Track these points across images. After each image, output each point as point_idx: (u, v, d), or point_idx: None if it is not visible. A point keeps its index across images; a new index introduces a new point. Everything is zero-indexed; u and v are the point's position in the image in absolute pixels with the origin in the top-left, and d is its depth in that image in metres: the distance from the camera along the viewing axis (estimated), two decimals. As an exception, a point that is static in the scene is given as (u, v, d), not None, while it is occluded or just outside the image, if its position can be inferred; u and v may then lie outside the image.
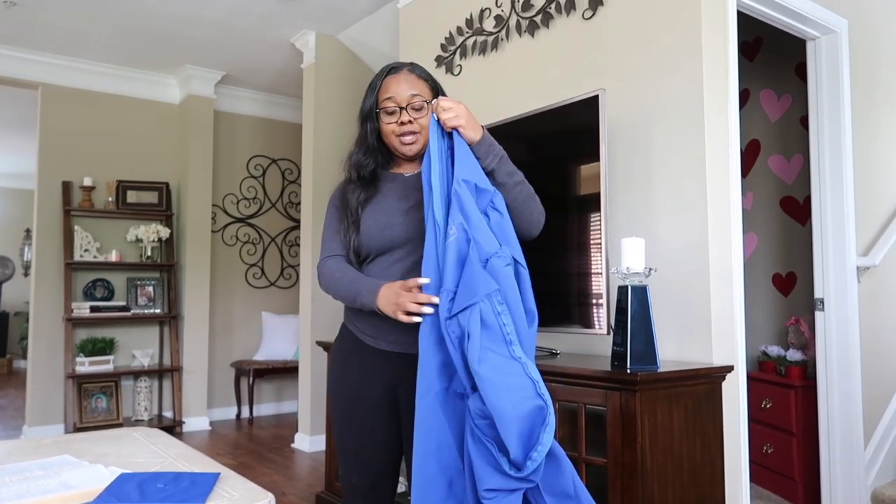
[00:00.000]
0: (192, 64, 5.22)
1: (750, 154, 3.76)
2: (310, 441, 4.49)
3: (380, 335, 1.70)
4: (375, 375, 1.71)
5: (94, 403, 4.94)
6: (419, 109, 1.67)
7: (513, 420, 1.30)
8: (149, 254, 5.26)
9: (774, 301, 3.65)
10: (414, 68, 1.72)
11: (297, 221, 5.87)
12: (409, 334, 1.60)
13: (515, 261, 1.50)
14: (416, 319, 1.51)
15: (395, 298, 1.54)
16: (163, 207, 5.39)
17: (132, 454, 1.62)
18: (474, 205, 1.48)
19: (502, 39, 3.10)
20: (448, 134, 1.57)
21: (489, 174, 1.58)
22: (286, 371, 5.53)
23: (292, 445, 4.64)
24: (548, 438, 1.30)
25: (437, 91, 1.73)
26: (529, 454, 1.30)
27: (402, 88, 1.67)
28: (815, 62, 2.93)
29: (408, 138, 1.68)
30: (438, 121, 1.56)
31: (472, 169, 1.53)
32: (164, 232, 5.24)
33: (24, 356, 7.86)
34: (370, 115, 1.71)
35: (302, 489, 3.64)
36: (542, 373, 2.17)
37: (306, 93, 4.75)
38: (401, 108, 1.66)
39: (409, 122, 1.66)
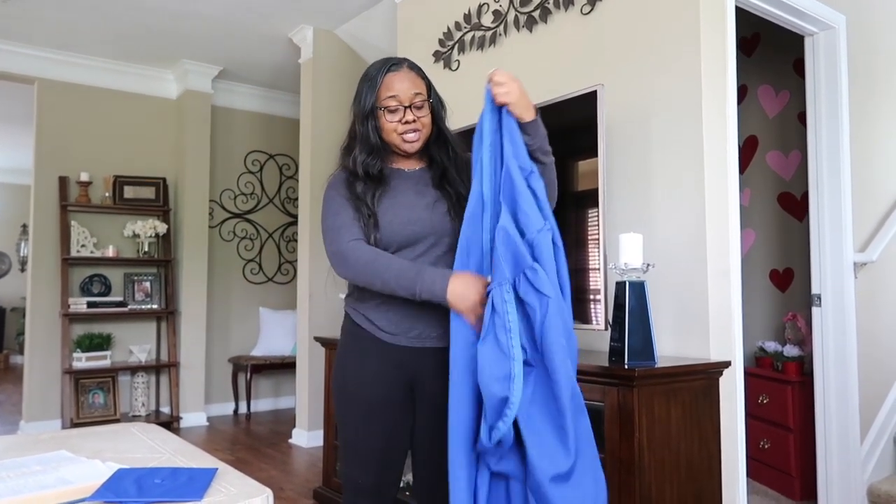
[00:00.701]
0: (189, 59, 5.21)
1: (747, 150, 3.76)
2: (307, 436, 4.49)
3: (400, 331, 1.67)
4: (395, 373, 1.68)
5: (91, 399, 4.94)
6: (421, 108, 1.67)
7: (486, 397, 1.46)
8: (146, 249, 5.25)
9: (771, 297, 3.66)
10: (412, 65, 1.72)
11: (295, 217, 5.86)
12: (432, 328, 1.62)
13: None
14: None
15: (475, 295, 1.53)
16: (160, 203, 5.37)
17: (129, 450, 1.62)
18: (524, 183, 1.55)
19: (500, 35, 3.10)
20: (498, 108, 1.60)
21: (531, 153, 1.61)
22: (284, 367, 5.53)
23: (290, 441, 4.64)
24: (503, 426, 1.42)
25: (430, 89, 1.73)
26: (491, 430, 1.44)
27: (405, 87, 1.65)
28: (813, 58, 2.93)
29: (410, 136, 1.67)
30: (490, 93, 1.59)
31: (517, 147, 1.58)
32: (162, 227, 5.23)
33: (21, 352, 7.84)
34: (371, 112, 1.67)
35: (300, 484, 3.64)
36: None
37: (304, 88, 4.74)
38: (404, 107, 1.65)
39: (413, 120, 1.66)
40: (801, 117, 3.27)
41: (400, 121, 1.65)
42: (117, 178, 5.22)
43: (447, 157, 1.73)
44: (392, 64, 1.69)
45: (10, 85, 5.32)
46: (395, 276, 1.57)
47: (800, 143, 3.41)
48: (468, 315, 1.53)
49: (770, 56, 3.70)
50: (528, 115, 1.58)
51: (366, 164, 1.68)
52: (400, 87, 1.65)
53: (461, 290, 1.52)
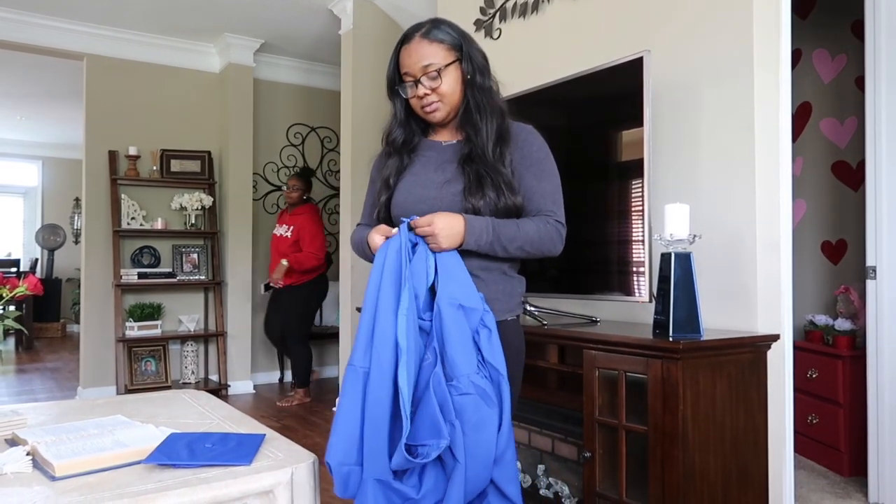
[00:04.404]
0: (231, 32, 5.24)
1: (801, 117, 3.63)
2: (351, 405, 4.56)
3: None
4: None
5: (143, 366, 5.12)
6: (434, 79, 1.60)
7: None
8: (192, 221, 5.37)
9: (823, 269, 3.55)
10: (427, 32, 1.62)
11: (337, 189, 5.91)
12: None
13: (500, 375, 1.47)
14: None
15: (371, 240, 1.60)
16: (205, 176, 5.47)
17: (181, 415, 1.67)
18: (457, 326, 1.46)
19: (543, 1, 3.03)
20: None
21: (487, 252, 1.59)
22: (327, 336, 5.63)
23: (334, 409, 4.73)
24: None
25: (460, 47, 1.63)
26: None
27: (413, 61, 1.60)
28: (873, 18, 2.78)
29: (429, 108, 1.64)
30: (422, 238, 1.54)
31: (455, 285, 1.50)
32: (207, 200, 5.33)
33: (77, 321, 8.15)
34: (392, 90, 1.69)
35: (343, 451, 3.72)
36: (583, 340, 2.16)
37: (344, 60, 4.73)
38: (416, 82, 1.61)
39: (427, 94, 1.61)
40: (859, 82, 3.13)
41: (416, 96, 1.63)
42: (164, 151, 5.33)
43: (475, 131, 1.64)
44: (404, 36, 1.65)
45: (60, 61, 5.45)
46: (363, 252, 1.70)
47: (857, 109, 3.27)
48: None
49: (826, 18, 3.54)
50: (456, 242, 1.53)
51: (388, 137, 1.73)
52: (408, 61, 1.61)
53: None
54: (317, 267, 4.96)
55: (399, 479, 1.43)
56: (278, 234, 5.01)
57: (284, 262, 4.77)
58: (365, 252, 1.68)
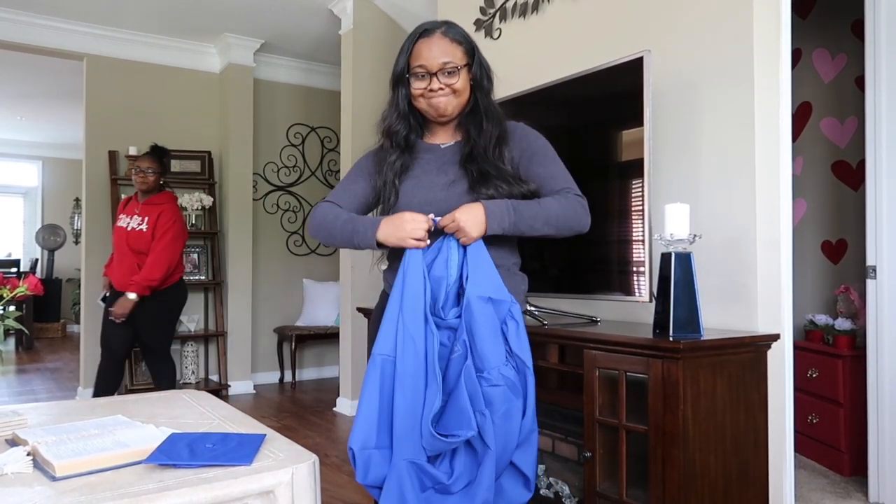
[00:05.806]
0: (231, 32, 5.24)
1: (801, 117, 3.63)
2: (351, 405, 4.57)
3: None
4: None
5: (144, 367, 5.11)
6: (451, 74, 1.63)
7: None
8: (193, 222, 5.36)
9: (823, 269, 3.55)
10: (448, 30, 1.66)
11: (337, 189, 5.90)
12: None
13: (527, 367, 1.53)
14: (423, 245, 1.56)
15: (402, 225, 1.55)
16: (205, 176, 5.47)
17: (182, 415, 1.67)
18: (486, 319, 1.51)
19: (544, 1, 3.02)
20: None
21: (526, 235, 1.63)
22: (327, 337, 5.63)
23: (334, 409, 4.74)
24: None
25: (473, 53, 1.68)
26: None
27: (434, 55, 1.62)
28: (873, 17, 2.78)
29: (438, 101, 1.65)
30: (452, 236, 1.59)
31: (484, 278, 1.55)
32: (207, 200, 5.33)
33: (77, 321, 8.14)
34: (401, 79, 1.69)
35: (344, 451, 3.72)
36: (584, 340, 2.16)
37: (344, 59, 4.73)
38: (431, 75, 1.63)
39: (441, 88, 1.63)
40: (859, 82, 3.13)
41: (426, 88, 1.64)
42: (164, 151, 5.32)
43: (478, 131, 1.67)
44: (424, 30, 1.67)
45: (60, 61, 5.45)
46: (339, 230, 1.65)
47: (857, 109, 3.27)
48: (404, 241, 1.55)
49: (826, 18, 3.54)
50: (480, 230, 1.56)
51: (390, 129, 1.72)
52: (428, 54, 1.63)
53: (390, 228, 1.57)
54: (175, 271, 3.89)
55: (431, 464, 1.47)
56: (128, 228, 3.84)
57: (131, 295, 3.64)
58: (348, 235, 1.64)
